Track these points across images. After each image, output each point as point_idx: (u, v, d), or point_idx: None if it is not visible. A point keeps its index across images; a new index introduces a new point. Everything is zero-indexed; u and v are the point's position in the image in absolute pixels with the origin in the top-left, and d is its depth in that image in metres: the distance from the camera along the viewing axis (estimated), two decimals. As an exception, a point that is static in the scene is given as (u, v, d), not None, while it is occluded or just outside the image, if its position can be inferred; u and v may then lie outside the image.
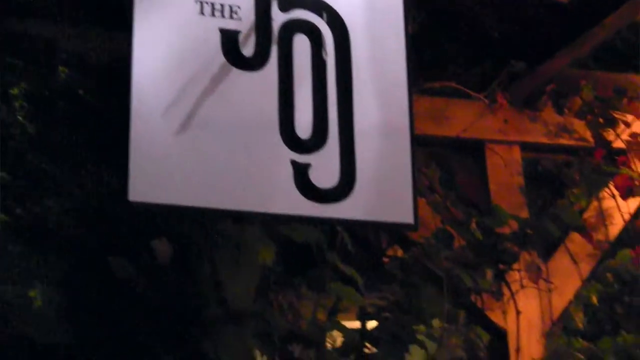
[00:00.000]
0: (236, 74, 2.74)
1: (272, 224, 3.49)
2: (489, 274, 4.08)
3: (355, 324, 3.92)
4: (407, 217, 2.86)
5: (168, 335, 3.66)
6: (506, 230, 4.17)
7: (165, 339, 3.66)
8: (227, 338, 3.69)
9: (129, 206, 2.50)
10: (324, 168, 2.79)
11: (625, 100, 4.57)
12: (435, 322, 3.98)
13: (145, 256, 3.67)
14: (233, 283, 3.71)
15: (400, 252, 4.20)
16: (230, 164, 2.66)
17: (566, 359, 3.97)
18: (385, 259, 4.15)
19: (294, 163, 2.76)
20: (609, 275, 4.56)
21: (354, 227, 3.73)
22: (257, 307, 3.75)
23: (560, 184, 4.62)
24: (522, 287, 4.25)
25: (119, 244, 3.66)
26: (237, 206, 2.67)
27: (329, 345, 3.80)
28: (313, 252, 3.54)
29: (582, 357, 3.93)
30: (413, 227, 2.84)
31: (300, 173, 2.74)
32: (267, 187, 2.70)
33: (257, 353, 3.78)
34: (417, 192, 2.81)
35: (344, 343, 3.74)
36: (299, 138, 2.78)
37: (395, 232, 4.09)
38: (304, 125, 2.81)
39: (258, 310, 3.73)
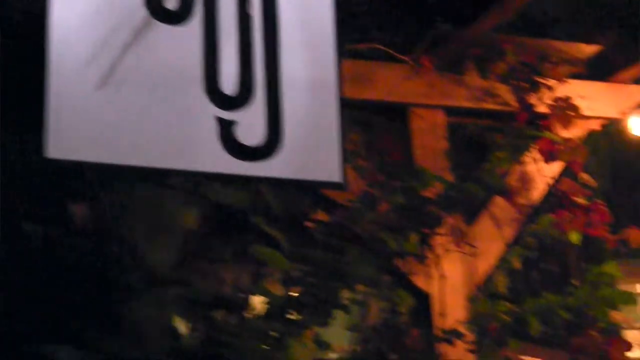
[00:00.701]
0: (159, 27, 2.63)
1: (196, 187, 3.40)
2: (414, 237, 4.06)
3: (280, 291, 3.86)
4: (335, 176, 2.80)
5: (86, 302, 3.55)
6: (431, 194, 4.15)
7: (83, 306, 3.55)
8: (147, 305, 3.59)
9: (47, 165, 2.39)
10: (250, 125, 2.71)
11: (548, 65, 4.58)
12: (360, 287, 3.95)
13: (62, 220, 3.56)
14: (154, 248, 3.62)
15: (324, 216, 4.14)
16: (152, 120, 2.56)
17: (490, 321, 3.97)
18: (309, 223, 4.09)
19: (218, 119, 2.67)
20: (530, 239, 4.58)
21: (278, 189, 3.66)
22: (178, 272, 3.67)
23: (484, 148, 4.61)
24: (447, 251, 4.23)
25: (33, 209, 3.54)
26: (159, 163, 2.57)
27: (252, 311, 3.74)
28: (237, 216, 3.47)
29: (506, 318, 3.94)
30: (341, 186, 2.78)
31: (225, 130, 2.66)
32: (191, 144, 2.62)
33: (178, 320, 3.70)
34: (344, 150, 2.75)
35: (268, 308, 3.68)
36: (224, 94, 2.69)
37: (319, 195, 4.04)
38: (229, 81, 2.73)
39: (179, 276, 3.65)
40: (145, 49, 2.62)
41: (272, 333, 3.56)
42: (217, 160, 2.63)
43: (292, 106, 2.72)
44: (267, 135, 2.67)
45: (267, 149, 2.65)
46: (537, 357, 7.15)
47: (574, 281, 4.13)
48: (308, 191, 3.95)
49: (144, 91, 2.61)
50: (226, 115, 2.65)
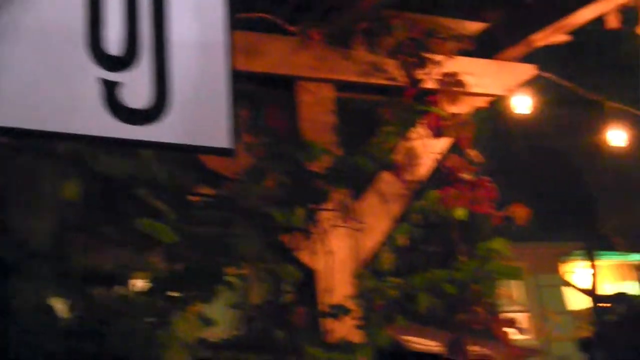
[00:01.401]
0: (37, -19, 2.48)
1: (78, 156, 3.23)
2: (300, 212, 3.98)
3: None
4: (224, 142, 2.69)
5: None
6: (318, 168, 4.08)
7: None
8: (20, 280, 3.42)
9: None
10: (135, 87, 2.57)
11: (435, 41, 4.56)
12: (245, 263, 3.85)
13: None
14: (29, 220, 3.44)
15: (209, 191, 4.03)
16: (31, 80, 2.41)
17: (377, 297, 3.93)
18: (195, 197, 3.97)
19: (102, 80, 2.53)
20: (416, 216, 4.56)
21: (164, 161, 3.52)
22: (56, 246, 3.50)
23: (372, 123, 4.57)
24: (333, 226, 4.17)
25: None
26: (39, 126, 2.42)
27: (135, 287, 3.60)
28: (121, 187, 3.32)
29: (394, 292, 3.90)
30: (230, 152, 2.68)
31: (109, 91, 2.52)
32: (72, 106, 2.47)
33: (55, 296, 3.53)
34: (233, 116, 2.65)
35: (151, 284, 3.54)
36: (107, 54, 2.55)
37: (205, 168, 3.92)
38: (113, 40, 2.58)
39: (57, 250, 3.48)
40: (23, 6, 2.46)
41: (154, 310, 3.43)
42: (101, 124, 2.49)
43: (180, 69, 2.61)
44: (154, 98, 2.56)
45: (153, 113, 2.53)
46: (421, 337, 7.19)
47: (460, 257, 4.12)
48: (194, 159, 3.82)
49: (22, 50, 2.46)
50: (110, 76, 2.51)
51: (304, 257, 4.17)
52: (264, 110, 4.45)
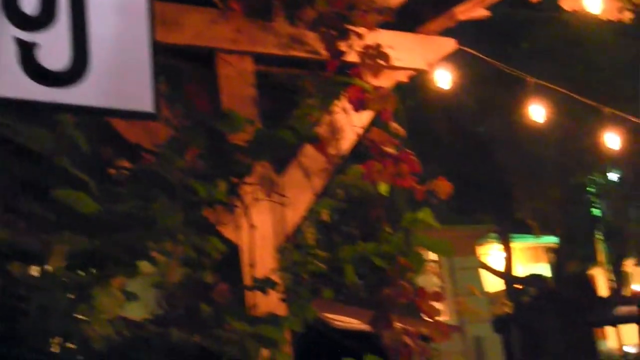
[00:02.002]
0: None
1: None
2: (223, 185, 3.91)
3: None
4: (147, 105, 2.62)
5: None
6: (240, 140, 4.01)
7: None
8: None
9: None
10: (54, 48, 2.48)
11: (357, 13, 4.52)
12: (167, 237, 3.76)
13: None
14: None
15: (128, 164, 3.93)
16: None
17: (303, 269, 3.89)
18: (113, 170, 3.87)
19: (18, 41, 2.43)
20: (339, 190, 4.53)
21: (84, 128, 3.41)
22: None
23: (293, 96, 4.51)
24: (256, 200, 4.11)
25: None
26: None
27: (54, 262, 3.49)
28: (38, 157, 3.20)
29: (320, 265, 3.86)
30: (153, 116, 2.60)
31: (26, 52, 2.42)
32: (-13, 65, 2.37)
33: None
34: (156, 79, 2.58)
35: (70, 258, 3.43)
36: (24, 13, 2.45)
37: (124, 140, 3.83)
38: (30, -2, 2.48)
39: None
40: None
41: (75, 284, 3.32)
42: (17, 85, 2.40)
43: (100, 30, 2.53)
44: (73, 60, 2.47)
45: (72, 74, 2.45)
46: (345, 315, 7.18)
47: (387, 229, 4.10)
48: (112, 131, 3.72)
49: None
50: (27, 36, 2.42)
51: (227, 232, 4.10)
52: (183, 84, 4.36)
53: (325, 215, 4.43)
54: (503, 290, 20.57)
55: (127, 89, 2.55)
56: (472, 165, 16.66)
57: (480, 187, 18.52)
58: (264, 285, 3.69)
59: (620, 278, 23.35)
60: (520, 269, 22.90)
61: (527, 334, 18.85)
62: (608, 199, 22.33)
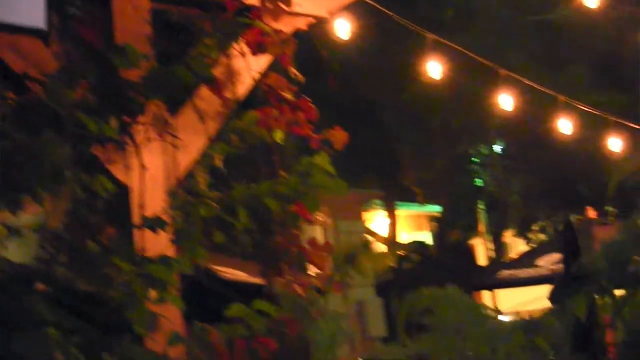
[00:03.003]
0: None
1: None
2: (114, 122, 3.76)
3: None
4: (39, 21, 2.47)
5: None
6: (133, 77, 3.86)
7: None
8: None
9: None
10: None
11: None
12: (54, 173, 3.60)
13: None
14: None
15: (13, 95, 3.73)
16: None
17: (195, 211, 3.77)
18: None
19: None
20: (234, 136, 4.42)
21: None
22: None
23: (190, 38, 4.37)
24: (148, 140, 3.97)
25: None
26: None
27: None
28: None
29: (212, 205, 3.74)
30: (45, 35, 2.45)
31: None
32: None
33: None
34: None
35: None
36: None
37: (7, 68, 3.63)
38: None
39: None
40: None
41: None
42: None
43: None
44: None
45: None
46: (234, 268, 7.10)
47: (282, 173, 4.02)
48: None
49: None
50: None
51: (117, 171, 3.95)
52: (75, 20, 4.17)
53: (218, 161, 4.31)
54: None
55: (18, 3, 2.40)
56: (361, 129, 16.68)
57: (368, 152, 18.61)
58: (153, 224, 3.56)
59: (499, 248, 23.88)
60: (404, 236, 23.18)
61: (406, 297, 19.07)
62: (491, 170, 22.76)
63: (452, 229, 23.07)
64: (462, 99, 17.28)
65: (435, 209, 23.94)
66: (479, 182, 23.14)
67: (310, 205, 3.79)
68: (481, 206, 23.41)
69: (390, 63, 16.33)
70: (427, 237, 23.97)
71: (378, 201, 21.62)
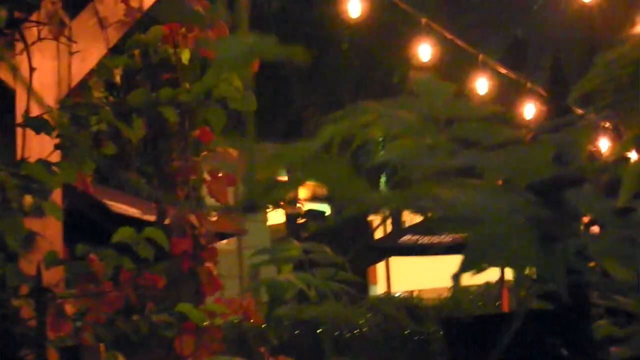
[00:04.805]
0: None
1: None
2: (3, 13, 3.37)
3: None
4: None
5: None
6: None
7: None
8: None
9: None
10: None
11: None
12: None
13: None
14: None
15: None
16: None
17: (83, 120, 3.40)
18: None
19: None
20: (135, 50, 4.05)
21: None
22: None
23: None
24: (40, 40, 3.59)
25: None
26: None
27: None
28: None
29: (106, 113, 3.38)
30: None
31: None
32: None
33: None
34: None
35: None
36: None
37: None
38: None
39: None
40: None
41: None
42: None
43: None
44: None
45: None
46: (124, 203, 6.74)
47: (185, 84, 3.67)
48: None
49: None
50: None
51: (2, 71, 3.57)
52: None
53: (117, 76, 3.93)
54: (284, 223, 20.55)
55: None
56: (269, 90, 16.35)
57: (273, 115, 18.29)
58: (37, 124, 3.18)
59: (397, 224, 23.88)
60: (302, 205, 22.96)
61: (300, 267, 18.91)
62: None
63: (351, 202, 22.94)
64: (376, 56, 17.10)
65: (336, 181, 23.77)
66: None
67: (214, 117, 3.43)
68: (384, 181, 23.34)
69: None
70: (326, 209, 23.84)
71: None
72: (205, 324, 3.79)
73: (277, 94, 18.44)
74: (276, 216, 21.03)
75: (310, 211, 21.64)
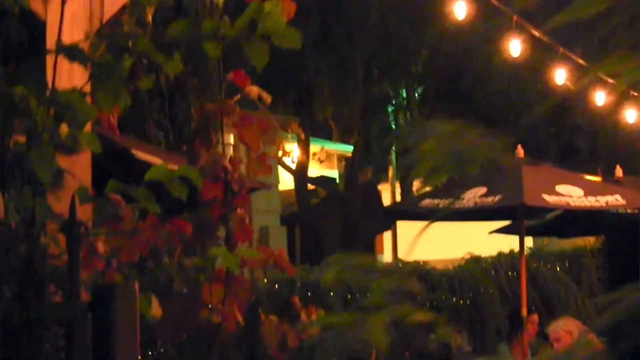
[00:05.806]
0: None
1: None
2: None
3: None
4: None
5: None
6: None
7: None
8: None
9: None
10: None
11: None
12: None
13: None
14: None
15: None
16: None
17: (119, 50, 3.23)
18: None
19: None
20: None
21: None
22: None
23: None
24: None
25: None
26: None
27: None
28: None
29: (144, 44, 3.21)
30: None
31: None
32: None
33: None
34: None
35: None
36: None
37: None
38: None
39: None
40: None
41: None
42: None
43: None
44: None
45: None
46: (155, 155, 6.60)
47: (226, 20, 3.50)
48: None
49: None
50: None
51: (33, 2, 3.41)
52: None
53: (149, 15, 3.78)
54: (295, 189, 20.39)
55: None
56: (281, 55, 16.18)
57: (285, 82, 18.10)
58: (71, 52, 3.02)
59: (407, 195, 23.72)
60: (314, 172, 22.83)
61: (309, 233, 18.81)
62: (408, 115, 22.48)
63: (362, 169, 22.78)
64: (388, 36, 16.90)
65: (346, 149, 23.62)
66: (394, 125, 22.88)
67: (257, 57, 3.26)
68: (394, 151, 23.17)
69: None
70: (335, 174, 23.71)
71: (292, 134, 21.14)
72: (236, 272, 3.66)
73: (288, 60, 18.23)
74: (287, 181, 20.89)
75: (320, 177, 21.50)
